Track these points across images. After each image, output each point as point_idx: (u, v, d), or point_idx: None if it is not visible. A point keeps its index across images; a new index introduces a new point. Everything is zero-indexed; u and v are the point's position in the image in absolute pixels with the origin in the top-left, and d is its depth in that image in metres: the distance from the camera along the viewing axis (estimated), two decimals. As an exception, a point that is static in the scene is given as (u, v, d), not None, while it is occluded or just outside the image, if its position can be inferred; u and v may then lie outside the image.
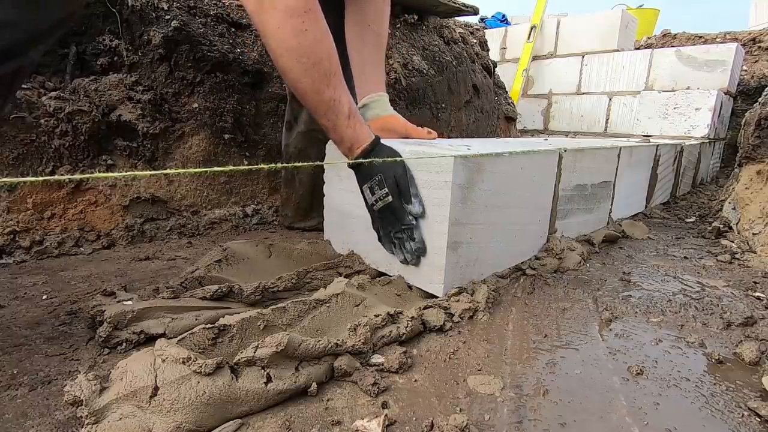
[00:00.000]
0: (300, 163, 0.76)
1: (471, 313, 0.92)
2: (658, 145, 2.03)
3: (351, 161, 0.98)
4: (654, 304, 1.03)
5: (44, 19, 0.66)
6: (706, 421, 0.64)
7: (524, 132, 4.00)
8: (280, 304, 0.79)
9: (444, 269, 0.94)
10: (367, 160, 0.94)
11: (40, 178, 0.46)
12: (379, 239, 1.04)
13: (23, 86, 1.26)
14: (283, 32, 0.84)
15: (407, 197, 0.95)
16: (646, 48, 4.11)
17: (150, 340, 0.78)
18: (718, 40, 4.18)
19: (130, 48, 1.43)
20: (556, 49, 3.82)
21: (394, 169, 0.95)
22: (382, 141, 1.00)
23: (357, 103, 1.25)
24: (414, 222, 0.96)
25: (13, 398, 0.64)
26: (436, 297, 0.97)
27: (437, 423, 0.60)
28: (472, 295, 0.96)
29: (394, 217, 0.97)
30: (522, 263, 1.20)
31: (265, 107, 1.72)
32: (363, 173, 0.98)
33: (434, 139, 1.27)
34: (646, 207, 2.05)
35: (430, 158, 0.93)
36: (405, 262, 1.01)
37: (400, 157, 0.96)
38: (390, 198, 0.95)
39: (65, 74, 1.36)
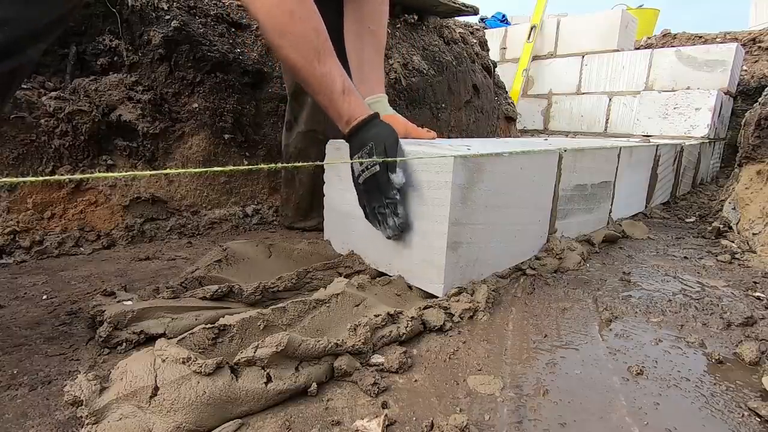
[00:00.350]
0: (300, 163, 0.76)
1: (471, 313, 0.92)
2: (658, 145, 2.03)
3: (347, 132, 0.99)
4: (654, 304, 1.03)
5: (44, 15, 0.65)
6: (706, 421, 0.64)
7: (524, 132, 4.00)
8: (280, 304, 0.79)
9: (444, 269, 0.94)
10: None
11: (40, 178, 0.46)
12: (366, 216, 1.04)
13: (23, 86, 1.26)
14: (270, 9, 0.86)
15: (392, 166, 0.94)
16: (646, 48, 4.12)
17: (150, 340, 0.78)
18: (718, 40, 4.18)
19: (130, 48, 1.43)
20: (556, 49, 3.82)
21: (385, 139, 0.95)
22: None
23: None
24: (398, 197, 0.96)
25: (13, 398, 0.64)
26: (436, 297, 0.97)
27: (437, 423, 0.60)
28: (472, 295, 0.96)
29: (379, 190, 0.96)
30: (522, 263, 1.20)
31: (265, 107, 1.72)
32: (355, 144, 0.99)
33: (434, 139, 1.27)
34: (646, 207, 2.05)
35: (430, 158, 0.93)
36: (389, 237, 1.01)
37: (395, 132, 0.97)
38: (377, 168, 0.95)
39: (65, 74, 1.36)
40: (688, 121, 2.85)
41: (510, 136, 3.20)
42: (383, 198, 0.97)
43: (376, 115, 1.00)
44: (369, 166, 0.96)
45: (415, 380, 0.72)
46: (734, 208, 1.64)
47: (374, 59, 1.26)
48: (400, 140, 1.07)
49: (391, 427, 0.61)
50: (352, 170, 1.02)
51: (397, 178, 0.94)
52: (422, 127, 1.28)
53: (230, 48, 1.60)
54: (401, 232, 0.99)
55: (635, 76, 3.32)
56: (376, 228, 1.03)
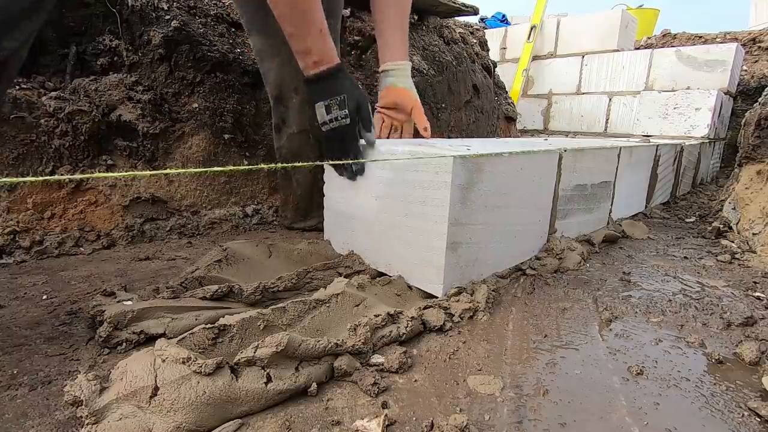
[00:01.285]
0: (299, 164, 0.76)
1: (471, 313, 0.92)
2: (658, 145, 2.03)
3: (313, 73, 0.97)
4: (654, 304, 1.03)
5: (14, 2, 0.61)
6: (706, 421, 0.64)
7: (524, 132, 4.00)
8: (280, 304, 0.79)
9: (443, 269, 0.94)
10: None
11: (40, 178, 0.46)
12: (327, 158, 1.08)
13: (23, 86, 1.26)
14: None
15: (367, 124, 0.95)
16: (646, 48, 4.11)
17: (150, 340, 0.78)
18: (718, 40, 4.18)
19: (130, 48, 1.43)
20: (556, 49, 3.82)
21: (359, 96, 0.96)
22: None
23: (379, 69, 1.26)
24: (361, 150, 1.00)
25: (13, 398, 0.64)
26: (436, 297, 0.97)
27: (437, 423, 0.60)
28: (472, 295, 0.96)
29: (343, 142, 0.98)
30: (522, 263, 1.20)
31: (265, 107, 1.72)
32: (323, 89, 0.96)
33: (428, 138, 1.26)
34: (646, 207, 2.05)
35: (430, 158, 0.93)
36: (349, 178, 1.08)
37: (364, 94, 1.02)
38: (347, 120, 0.95)
39: (65, 74, 1.36)
40: (688, 121, 2.85)
41: (510, 136, 3.20)
42: (347, 149, 0.99)
43: (343, 66, 0.99)
44: (339, 117, 0.95)
45: (415, 380, 0.72)
46: (734, 208, 1.64)
47: (396, 22, 1.24)
48: (402, 140, 1.08)
49: (391, 427, 0.61)
50: (316, 116, 1.00)
51: (372, 137, 0.97)
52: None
53: (230, 48, 1.60)
54: (356, 175, 1.05)
55: (635, 76, 3.32)
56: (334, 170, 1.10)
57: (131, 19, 1.43)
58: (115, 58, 1.42)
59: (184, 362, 0.60)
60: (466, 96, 2.72)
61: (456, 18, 2.82)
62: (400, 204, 1.00)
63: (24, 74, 1.30)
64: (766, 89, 1.81)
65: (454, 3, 2.39)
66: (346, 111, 0.94)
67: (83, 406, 0.56)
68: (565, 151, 1.26)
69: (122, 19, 1.41)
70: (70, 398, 0.57)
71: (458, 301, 0.94)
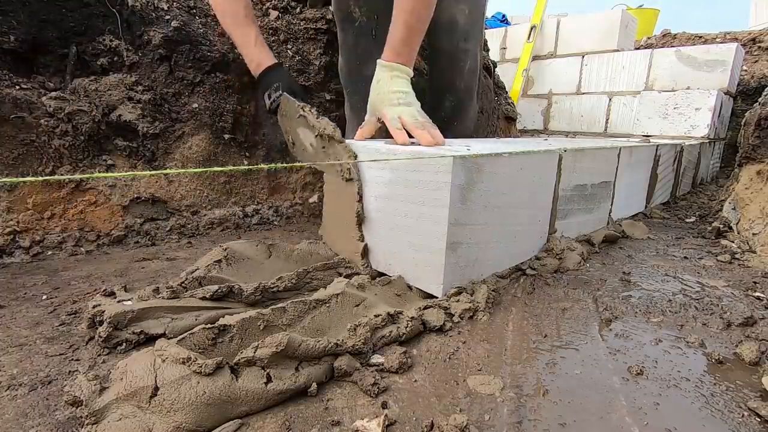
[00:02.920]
0: (299, 163, 0.76)
1: (471, 314, 0.92)
2: (658, 145, 2.03)
3: (257, 75, 1.39)
4: (654, 304, 1.03)
5: None
6: (706, 421, 0.64)
7: (524, 132, 3.99)
8: (280, 304, 0.79)
9: (443, 270, 0.94)
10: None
11: (40, 178, 0.46)
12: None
13: (23, 86, 1.26)
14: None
15: (299, 98, 1.29)
16: (646, 48, 4.11)
17: (150, 340, 0.78)
18: (718, 40, 4.18)
19: (130, 48, 1.43)
20: (556, 49, 3.82)
21: (288, 80, 1.37)
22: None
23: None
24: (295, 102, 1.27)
25: (13, 398, 0.64)
26: (436, 297, 0.97)
27: (437, 423, 0.60)
28: (471, 296, 0.96)
29: (282, 109, 1.34)
30: (522, 263, 1.20)
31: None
32: (264, 84, 1.38)
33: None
34: (646, 207, 2.05)
35: (430, 158, 0.93)
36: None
37: (289, 77, 1.42)
38: (280, 91, 1.33)
39: (65, 74, 1.36)
40: (688, 121, 2.85)
41: (510, 136, 3.20)
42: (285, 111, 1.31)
43: (279, 64, 1.39)
44: (276, 98, 1.34)
45: (415, 380, 0.72)
46: (734, 208, 1.64)
47: (394, 26, 1.20)
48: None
49: (391, 427, 0.61)
50: (264, 104, 1.39)
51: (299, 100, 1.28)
52: (425, 129, 1.18)
53: (230, 48, 1.60)
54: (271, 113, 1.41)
55: (635, 76, 3.31)
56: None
57: (131, 19, 1.43)
58: (115, 58, 1.42)
59: (184, 362, 0.60)
60: (466, 96, 2.72)
61: (456, 18, 2.81)
62: (399, 204, 1.00)
63: (24, 74, 1.30)
64: (766, 89, 1.81)
65: (454, 3, 2.38)
66: (280, 90, 1.32)
67: (83, 406, 0.56)
68: (565, 151, 1.26)
69: (122, 19, 1.41)
70: (70, 398, 0.57)
71: (458, 301, 0.94)
